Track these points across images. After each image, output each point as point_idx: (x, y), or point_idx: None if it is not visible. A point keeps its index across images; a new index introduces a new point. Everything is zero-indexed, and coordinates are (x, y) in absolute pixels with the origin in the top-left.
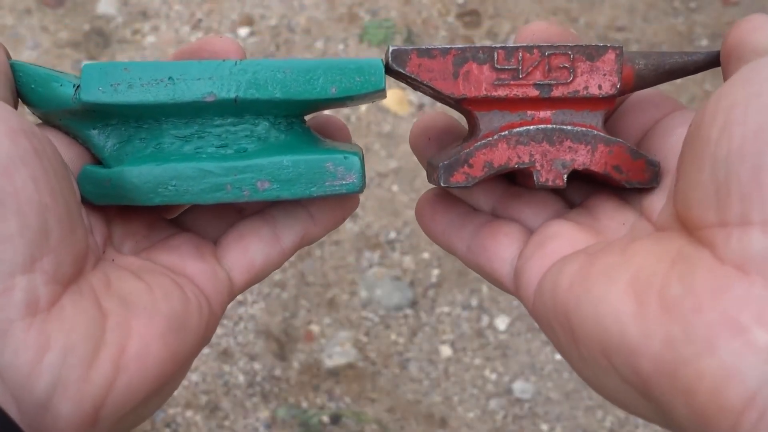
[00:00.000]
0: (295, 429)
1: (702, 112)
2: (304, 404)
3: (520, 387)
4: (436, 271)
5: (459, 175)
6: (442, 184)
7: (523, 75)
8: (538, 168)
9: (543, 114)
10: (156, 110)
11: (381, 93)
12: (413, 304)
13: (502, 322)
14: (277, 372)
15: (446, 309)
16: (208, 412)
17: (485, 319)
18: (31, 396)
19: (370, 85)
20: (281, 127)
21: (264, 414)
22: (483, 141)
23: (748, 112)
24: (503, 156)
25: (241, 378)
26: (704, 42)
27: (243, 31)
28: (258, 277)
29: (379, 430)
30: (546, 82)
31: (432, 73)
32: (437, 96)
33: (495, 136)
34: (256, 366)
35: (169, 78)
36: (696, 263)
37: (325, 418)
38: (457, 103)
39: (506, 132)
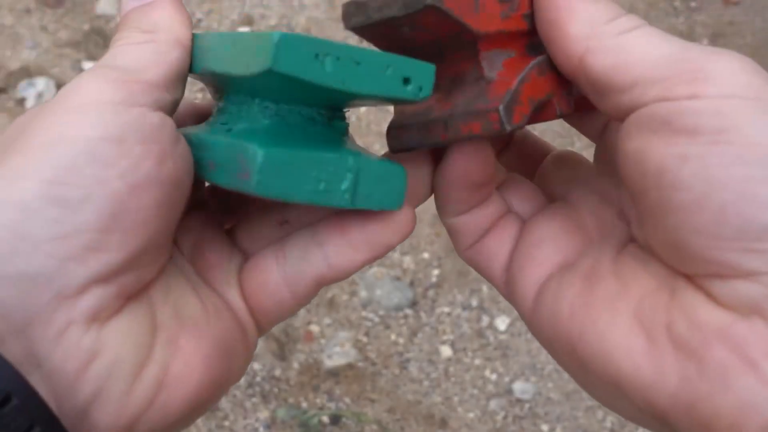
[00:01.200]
0: (295, 429)
1: (652, 168)
2: (304, 404)
3: (520, 387)
4: (436, 271)
5: (517, 115)
6: (507, 128)
7: (516, 7)
8: (555, 99)
9: (522, 49)
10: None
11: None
12: (413, 304)
13: (502, 323)
14: (277, 372)
15: (446, 309)
16: (208, 412)
17: (485, 320)
18: (73, 401)
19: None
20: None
21: (264, 414)
22: (522, 74)
23: (718, 173)
24: (539, 89)
25: (241, 378)
26: (705, 42)
27: (243, 31)
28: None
29: (379, 431)
30: (529, 12)
31: (460, 6)
32: (454, 39)
33: (526, 70)
34: (256, 366)
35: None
36: (694, 302)
37: (325, 419)
38: (474, 42)
39: (531, 64)
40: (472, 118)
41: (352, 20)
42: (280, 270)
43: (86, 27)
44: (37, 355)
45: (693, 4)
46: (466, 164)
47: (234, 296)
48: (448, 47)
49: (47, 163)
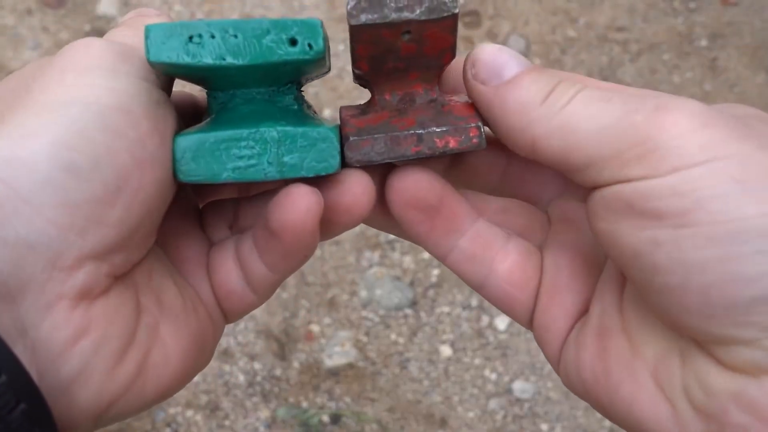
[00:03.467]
0: (295, 429)
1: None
2: (305, 404)
3: (519, 387)
4: (436, 271)
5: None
6: (484, 144)
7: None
8: None
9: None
10: None
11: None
12: (413, 304)
13: (502, 322)
14: (278, 372)
15: (446, 309)
16: (209, 411)
17: (485, 319)
18: (56, 376)
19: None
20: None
21: (264, 414)
22: None
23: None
24: None
25: (242, 378)
26: (704, 42)
27: None
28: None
29: (379, 430)
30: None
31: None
32: None
33: None
34: (257, 366)
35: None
36: (704, 368)
37: (325, 418)
38: (441, 66)
39: None
40: (449, 133)
41: (362, 16)
42: (236, 263)
43: (87, 28)
44: (23, 324)
45: (692, 5)
46: (415, 181)
47: (205, 290)
48: (415, 66)
49: (59, 125)
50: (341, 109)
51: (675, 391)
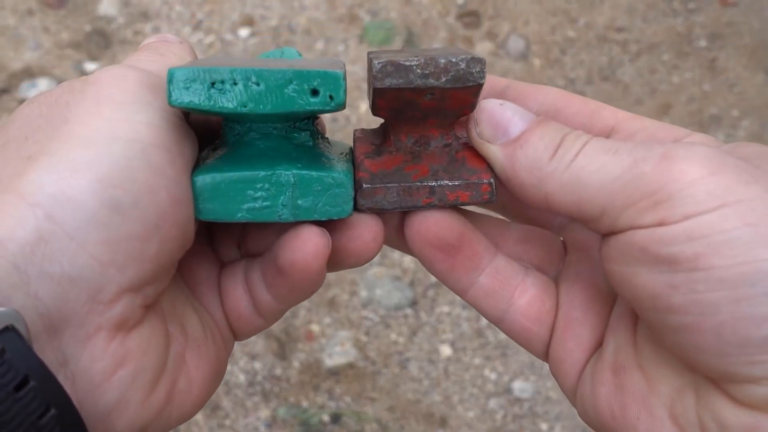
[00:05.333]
0: (296, 428)
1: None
2: (305, 403)
3: (519, 386)
4: None
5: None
6: (495, 200)
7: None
8: None
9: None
10: None
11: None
12: (413, 303)
13: None
14: (278, 371)
15: (446, 309)
16: (209, 411)
17: (485, 319)
18: (95, 406)
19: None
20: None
21: (264, 413)
22: None
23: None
24: None
25: (242, 377)
26: (703, 42)
27: (243, 32)
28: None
29: (379, 430)
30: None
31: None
32: None
33: None
34: (257, 365)
35: None
36: (718, 404)
37: (326, 418)
38: (458, 115)
39: None
40: (461, 188)
41: (387, 80)
42: (246, 289)
43: (88, 28)
44: (65, 355)
45: (691, 5)
46: (435, 222)
47: (218, 313)
48: (433, 115)
49: (104, 163)
50: (355, 138)
51: (691, 427)
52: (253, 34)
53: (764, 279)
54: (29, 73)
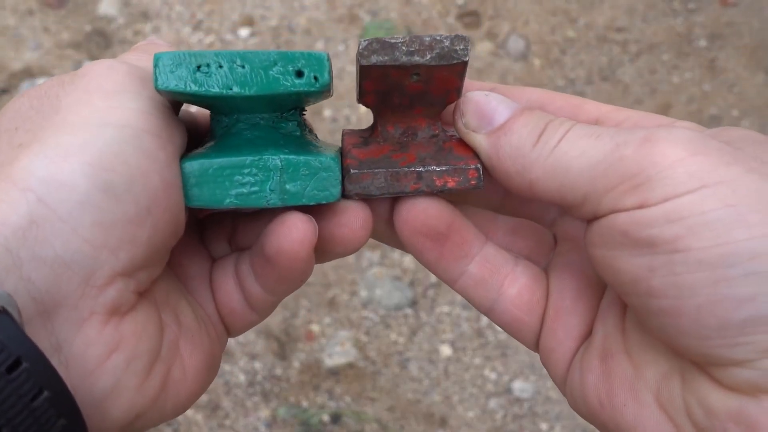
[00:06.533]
0: (296, 428)
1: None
2: (305, 403)
3: (519, 386)
4: None
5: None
6: (482, 185)
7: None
8: None
9: None
10: None
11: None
12: (413, 303)
13: None
14: (278, 371)
15: (446, 309)
16: (209, 411)
17: (485, 319)
18: (89, 392)
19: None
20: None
21: (264, 413)
22: None
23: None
24: None
25: (242, 377)
26: (703, 42)
27: (243, 32)
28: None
29: (379, 429)
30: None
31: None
32: None
33: None
34: (257, 365)
35: None
36: (703, 388)
37: (326, 417)
38: (444, 104)
39: None
40: (448, 173)
41: (372, 57)
42: (236, 283)
43: (88, 28)
44: (58, 339)
45: (691, 5)
46: (424, 210)
47: (210, 307)
48: (419, 101)
49: (95, 146)
50: (344, 134)
51: (677, 411)
52: (253, 34)
53: (742, 260)
54: (29, 73)
